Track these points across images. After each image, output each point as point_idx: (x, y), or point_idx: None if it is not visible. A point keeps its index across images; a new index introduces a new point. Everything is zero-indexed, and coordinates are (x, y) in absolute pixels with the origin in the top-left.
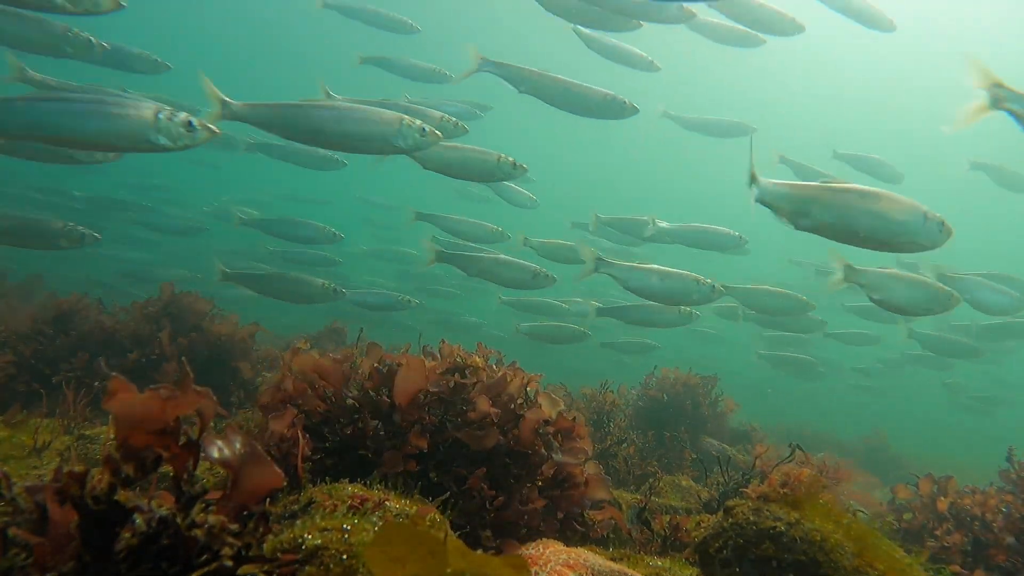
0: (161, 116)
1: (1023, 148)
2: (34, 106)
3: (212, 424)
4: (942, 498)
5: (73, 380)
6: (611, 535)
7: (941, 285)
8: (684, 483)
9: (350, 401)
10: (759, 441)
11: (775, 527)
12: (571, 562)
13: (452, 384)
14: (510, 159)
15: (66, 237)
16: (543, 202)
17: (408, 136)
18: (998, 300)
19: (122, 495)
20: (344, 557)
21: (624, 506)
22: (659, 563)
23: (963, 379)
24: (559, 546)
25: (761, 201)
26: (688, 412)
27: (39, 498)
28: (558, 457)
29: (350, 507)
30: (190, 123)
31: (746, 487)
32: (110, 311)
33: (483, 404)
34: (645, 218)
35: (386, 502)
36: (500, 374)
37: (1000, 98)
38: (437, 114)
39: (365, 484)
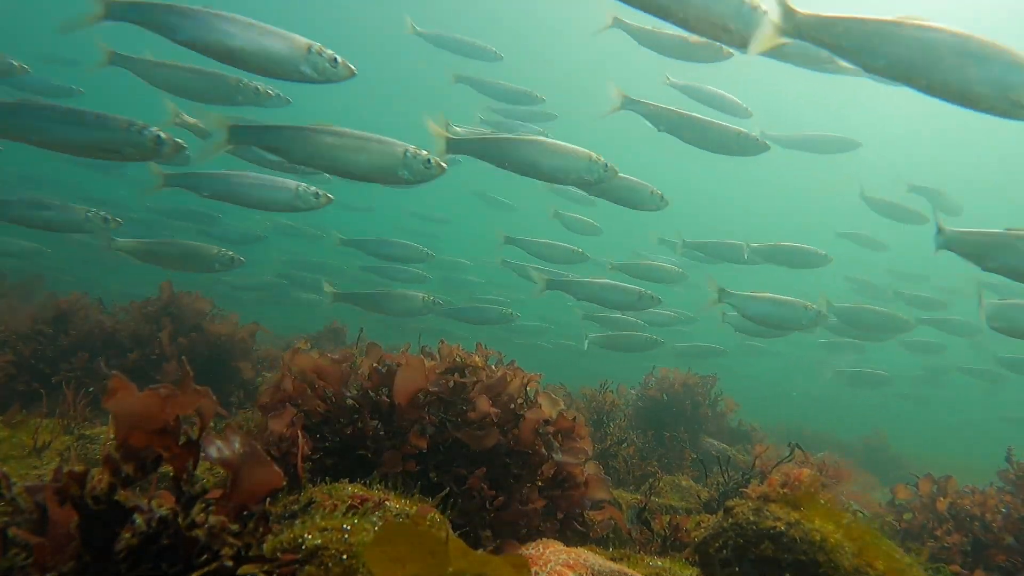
0: (408, 153)
1: None
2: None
3: (212, 424)
4: (942, 498)
5: (73, 380)
6: (611, 535)
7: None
8: (684, 483)
9: (350, 401)
10: (759, 441)
11: (775, 527)
12: (571, 562)
13: (452, 384)
14: (659, 191)
15: (219, 261)
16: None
17: (594, 171)
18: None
19: (122, 495)
20: (344, 557)
21: (624, 506)
22: (659, 563)
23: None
24: (559, 546)
25: (947, 247)
26: (688, 412)
27: (39, 498)
28: (558, 457)
29: (350, 507)
30: (428, 161)
31: (746, 487)
32: (110, 311)
33: (483, 404)
34: (739, 243)
35: (386, 502)
36: (500, 374)
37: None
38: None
39: (365, 484)
